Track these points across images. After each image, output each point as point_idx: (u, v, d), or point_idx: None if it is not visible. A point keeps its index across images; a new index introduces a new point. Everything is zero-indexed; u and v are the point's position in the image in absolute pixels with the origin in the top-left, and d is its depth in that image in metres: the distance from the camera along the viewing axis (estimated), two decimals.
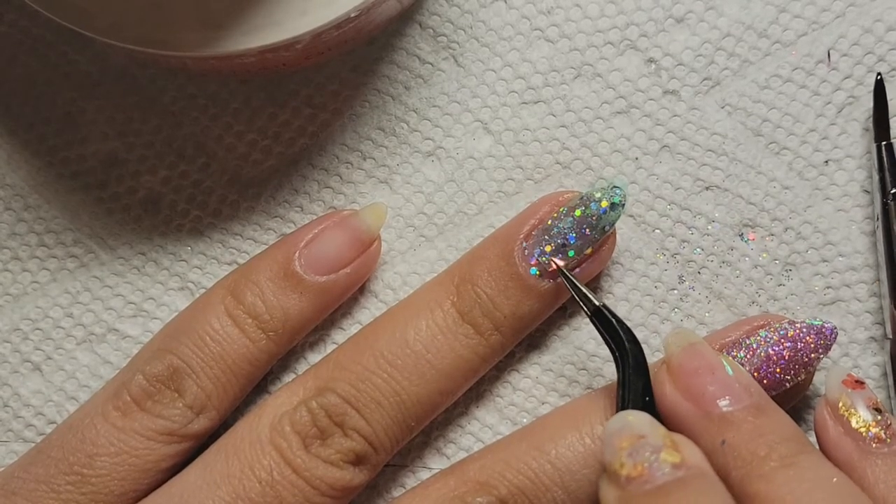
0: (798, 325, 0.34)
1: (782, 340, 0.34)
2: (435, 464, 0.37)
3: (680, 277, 0.37)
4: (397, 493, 0.37)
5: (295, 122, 0.38)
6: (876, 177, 0.36)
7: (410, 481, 0.37)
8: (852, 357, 0.37)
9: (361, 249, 0.36)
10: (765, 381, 0.34)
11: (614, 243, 0.36)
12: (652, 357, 0.37)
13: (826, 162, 0.38)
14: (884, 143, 0.36)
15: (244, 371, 0.35)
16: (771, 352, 0.34)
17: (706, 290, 0.37)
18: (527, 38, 0.38)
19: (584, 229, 0.35)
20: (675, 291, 0.37)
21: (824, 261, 0.37)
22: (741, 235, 0.38)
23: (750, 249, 0.37)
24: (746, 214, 0.37)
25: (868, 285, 0.37)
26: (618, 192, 0.35)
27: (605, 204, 0.35)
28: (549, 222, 0.35)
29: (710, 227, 0.37)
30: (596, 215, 0.35)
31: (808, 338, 0.34)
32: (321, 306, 0.36)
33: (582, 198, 0.35)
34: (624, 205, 0.35)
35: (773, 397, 0.34)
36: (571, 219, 0.35)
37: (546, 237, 0.35)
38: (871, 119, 0.37)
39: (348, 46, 0.37)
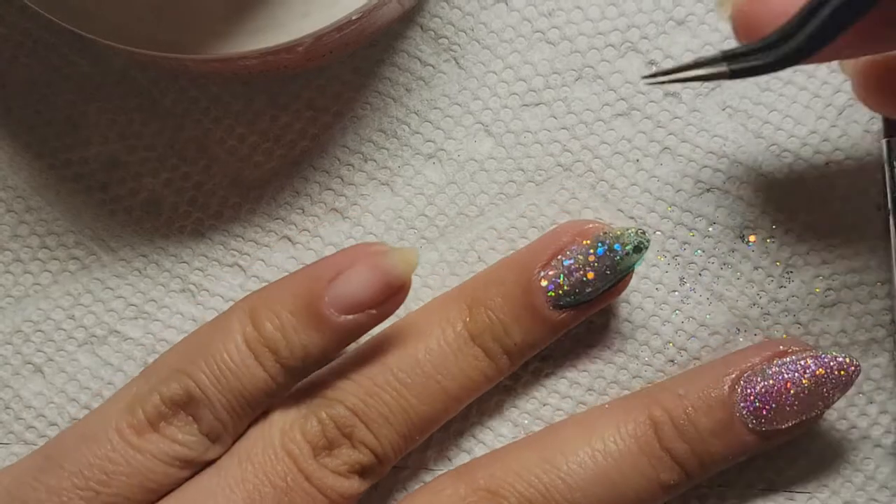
0: (821, 359, 0.34)
1: (803, 372, 0.34)
2: (436, 465, 0.37)
3: (681, 279, 0.38)
4: (397, 492, 0.37)
5: (296, 124, 0.38)
6: (886, 172, 0.36)
7: (411, 482, 0.37)
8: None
9: (390, 293, 0.33)
10: (779, 409, 0.34)
11: (629, 281, 0.36)
12: (653, 357, 0.37)
13: (826, 164, 0.38)
14: (893, 138, 0.36)
15: (259, 403, 0.34)
16: (789, 384, 0.34)
17: (707, 292, 0.37)
18: (528, 41, 0.38)
19: (605, 270, 0.35)
20: (676, 293, 0.38)
21: (825, 263, 0.37)
22: (742, 237, 0.38)
23: (751, 251, 0.37)
24: (747, 216, 0.37)
25: (869, 287, 0.37)
26: (643, 236, 0.35)
27: (629, 247, 0.35)
28: (570, 256, 0.35)
29: (710, 230, 0.38)
30: (619, 256, 0.35)
31: (829, 373, 0.34)
32: (341, 344, 0.34)
33: (606, 236, 0.35)
34: (647, 248, 0.35)
35: (782, 430, 0.34)
36: (593, 257, 0.35)
37: (565, 272, 0.35)
38: (881, 116, 0.37)
39: (350, 49, 0.37)
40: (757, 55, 0.28)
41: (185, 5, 0.32)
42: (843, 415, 0.37)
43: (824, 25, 0.28)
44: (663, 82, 0.29)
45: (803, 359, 0.34)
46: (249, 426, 0.35)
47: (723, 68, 0.28)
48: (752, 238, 0.38)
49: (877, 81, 0.31)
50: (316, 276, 0.34)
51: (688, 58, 0.37)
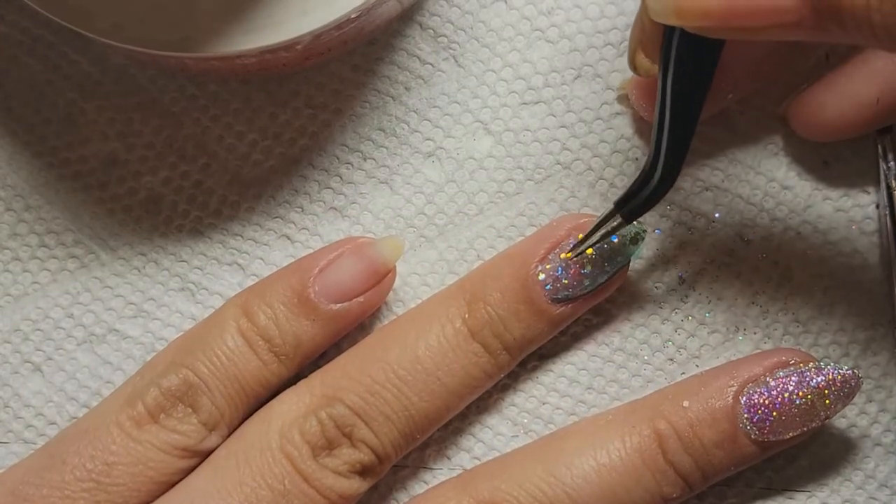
0: (824, 371, 0.34)
1: (805, 384, 0.34)
2: (435, 464, 0.37)
3: (680, 278, 0.38)
4: (397, 492, 0.37)
5: (295, 122, 0.38)
6: (881, 168, 0.37)
7: (410, 480, 0.37)
8: (852, 357, 0.37)
9: (376, 280, 0.35)
10: (782, 420, 0.34)
11: (626, 272, 0.36)
12: (653, 356, 0.37)
13: (825, 162, 0.38)
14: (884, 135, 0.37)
15: (255, 392, 0.35)
16: (793, 395, 0.34)
17: (706, 291, 0.37)
18: (527, 39, 0.38)
19: (603, 261, 0.35)
20: (675, 292, 0.38)
21: (824, 261, 0.37)
22: (741, 236, 0.38)
23: (750, 250, 0.37)
24: (746, 215, 0.37)
25: (868, 286, 0.37)
26: (640, 227, 0.35)
27: (626, 238, 0.35)
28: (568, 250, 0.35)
29: (709, 228, 0.38)
30: (615, 248, 0.35)
31: (831, 385, 0.34)
32: (332, 333, 0.35)
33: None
34: (644, 239, 0.35)
35: (785, 439, 0.34)
36: (591, 249, 0.35)
37: (563, 265, 0.35)
38: None
39: (349, 47, 0.37)
40: (642, 190, 0.33)
41: (184, 4, 0.32)
42: (843, 413, 0.37)
43: (673, 148, 0.32)
44: (581, 251, 0.34)
45: (806, 370, 0.34)
46: (247, 425, 0.35)
47: (618, 219, 0.34)
48: (750, 236, 0.38)
49: (642, 94, 0.36)
50: (305, 268, 0.35)
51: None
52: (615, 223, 0.34)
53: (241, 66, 0.35)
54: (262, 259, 0.38)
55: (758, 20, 0.26)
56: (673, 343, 0.37)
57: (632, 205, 0.33)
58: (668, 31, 0.30)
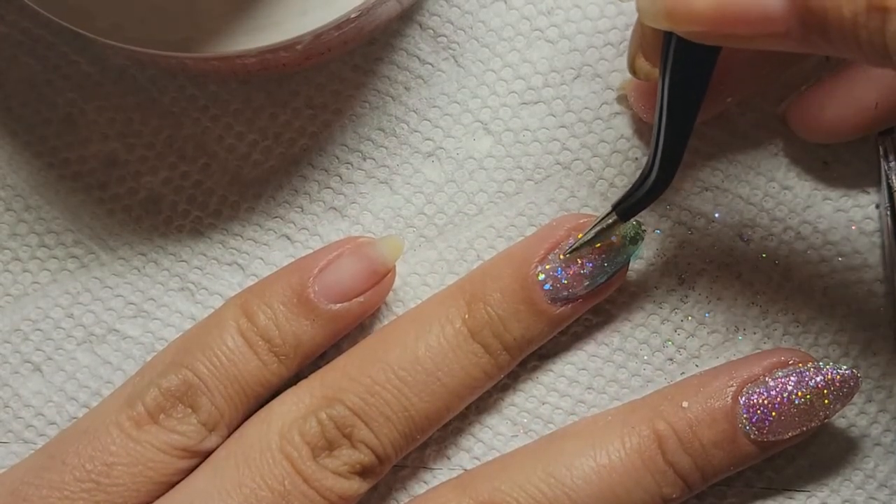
0: (823, 371, 0.34)
1: (804, 384, 0.34)
2: (435, 464, 0.37)
3: (680, 278, 0.38)
4: (396, 492, 0.37)
5: (295, 122, 0.38)
6: (882, 168, 0.37)
7: (410, 480, 0.37)
8: (852, 357, 0.37)
9: (376, 280, 0.35)
10: (781, 420, 0.34)
11: (625, 272, 0.36)
12: (652, 356, 0.37)
13: (825, 163, 0.38)
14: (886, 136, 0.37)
15: (255, 392, 0.35)
16: (792, 395, 0.34)
17: (706, 291, 0.37)
18: (527, 39, 0.38)
19: (603, 261, 0.35)
20: (675, 292, 0.38)
21: (823, 261, 0.37)
22: (741, 236, 0.38)
23: (749, 250, 0.37)
24: (746, 215, 0.38)
25: (867, 286, 0.37)
26: (640, 227, 0.35)
27: (625, 238, 0.35)
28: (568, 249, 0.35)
29: (709, 228, 0.38)
30: (615, 247, 0.35)
31: (830, 385, 0.34)
32: (332, 333, 0.36)
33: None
34: (643, 238, 0.35)
35: (784, 439, 0.34)
36: (589, 247, 0.35)
37: (563, 263, 0.35)
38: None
39: (348, 47, 0.37)
40: (637, 190, 0.33)
41: (184, 4, 0.32)
42: (843, 413, 0.37)
43: (669, 150, 0.32)
44: (578, 247, 0.34)
45: (805, 370, 0.34)
46: (247, 426, 0.35)
47: (613, 217, 0.34)
48: (750, 236, 0.38)
49: (641, 95, 0.36)
50: (305, 268, 0.35)
51: None
52: (611, 221, 0.34)
53: (241, 66, 0.35)
54: (262, 259, 0.38)
55: (746, 29, 0.27)
56: (672, 343, 0.37)
57: (627, 203, 0.34)
58: (667, 34, 0.30)
